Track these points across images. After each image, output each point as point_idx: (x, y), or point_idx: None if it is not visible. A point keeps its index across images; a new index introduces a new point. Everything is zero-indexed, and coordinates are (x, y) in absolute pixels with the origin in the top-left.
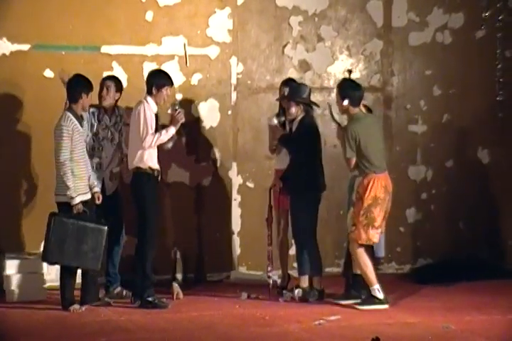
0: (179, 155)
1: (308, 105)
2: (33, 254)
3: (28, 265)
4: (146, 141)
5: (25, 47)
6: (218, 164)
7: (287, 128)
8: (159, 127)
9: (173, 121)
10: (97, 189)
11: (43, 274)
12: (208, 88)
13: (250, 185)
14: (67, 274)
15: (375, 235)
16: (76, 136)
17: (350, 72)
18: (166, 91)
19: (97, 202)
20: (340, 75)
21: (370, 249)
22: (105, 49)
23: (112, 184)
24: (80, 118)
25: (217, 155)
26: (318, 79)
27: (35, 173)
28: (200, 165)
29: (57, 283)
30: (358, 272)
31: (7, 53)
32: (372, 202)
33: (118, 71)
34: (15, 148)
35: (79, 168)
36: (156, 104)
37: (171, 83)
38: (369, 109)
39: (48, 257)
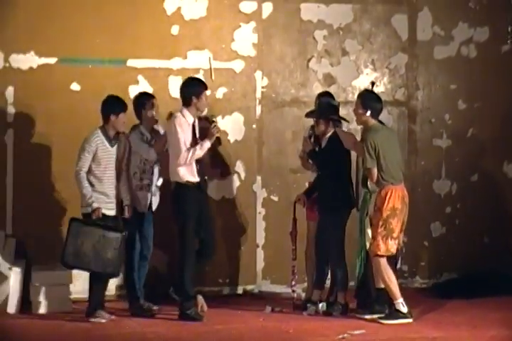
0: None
1: (338, 121)
2: (60, 266)
3: (55, 276)
4: (181, 158)
5: (52, 60)
6: (243, 177)
7: (313, 141)
8: (198, 139)
9: (208, 134)
10: (127, 202)
11: (69, 286)
12: (233, 101)
13: (274, 198)
14: (95, 279)
15: (394, 246)
16: (100, 153)
17: (373, 84)
18: (204, 96)
19: (126, 215)
20: None
21: (392, 263)
22: (131, 63)
23: (156, 199)
24: (110, 138)
25: (242, 168)
26: (343, 92)
27: (62, 185)
28: (225, 178)
29: (83, 295)
30: (381, 286)
31: (34, 66)
32: (390, 213)
33: (143, 85)
34: (42, 161)
35: (102, 185)
36: (198, 111)
37: (206, 87)
38: (381, 123)
39: (65, 260)
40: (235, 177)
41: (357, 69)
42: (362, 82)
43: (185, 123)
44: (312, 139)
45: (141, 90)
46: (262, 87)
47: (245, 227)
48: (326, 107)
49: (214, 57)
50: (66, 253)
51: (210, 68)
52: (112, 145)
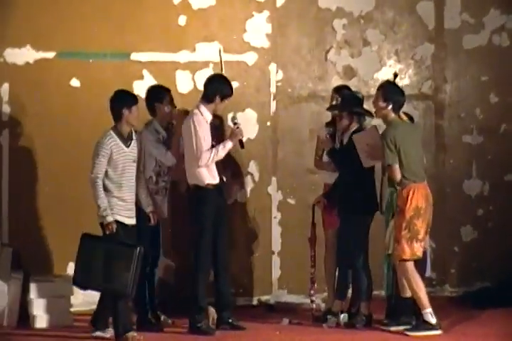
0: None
1: (362, 115)
2: (60, 277)
3: (55, 288)
4: (202, 159)
5: (50, 54)
6: (256, 179)
7: (337, 140)
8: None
9: (231, 135)
10: (152, 208)
11: (69, 298)
12: (246, 97)
13: (291, 201)
14: (112, 300)
15: (420, 248)
16: (116, 156)
17: (396, 75)
18: (228, 101)
19: (152, 222)
20: None
21: (419, 269)
22: (135, 56)
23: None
24: (124, 138)
25: (256, 169)
26: (365, 86)
27: (61, 189)
28: (237, 180)
29: (85, 308)
30: (407, 295)
31: (31, 61)
32: (414, 214)
33: (149, 80)
34: (41, 164)
35: (120, 190)
36: (214, 112)
37: (232, 92)
38: (411, 118)
39: (76, 281)
40: (248, 178)
41: (379, 61)
42: (385, 75)
43: (203, 121)
44: (328, 136)
45: (153, 83)
46: (277, 81)
47: (259, 233)
48: (349, 100)
49: (224, 49)
50: (77, 273)
51: (221, 61)
52: (128, 146)
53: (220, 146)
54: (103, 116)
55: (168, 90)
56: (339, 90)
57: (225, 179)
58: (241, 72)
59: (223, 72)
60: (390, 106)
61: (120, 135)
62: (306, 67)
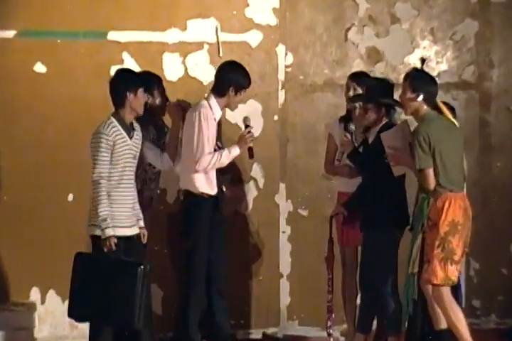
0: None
1: (392, 107)
2: (21, 305)
3: (14, 319)
4: (201, 163)
5: (10, 33)
6: (261, 185)
7: (353, 138)
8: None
9: (240, 140)
10: (143, 223)
11: (33, 330)
12: None
13: (303, 212)
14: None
15: (455, 272)
16: (118, 149)
17: (423, 61)
18: (244, 93)
19: (143, 240)
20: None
21: (454, 295)
22: (113, 35)
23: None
24: (129, 127)
25: (260, 173)
26: (393, 72)
27: (22, 198)
28: (238, 186)
29: None
30: (442, 327)
31: None
32: (449, 229)
33: (130, 64)
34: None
35: (121, 192)
36: (227, 107)
37: (250, 84)
38: (452, 109)
39: (72, 313)
40: (251, 184)
41: (411, 42)
42: (417, 58)
43: (211, 117)
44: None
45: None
46: (286, 67)
47: (265, 251)
48: (376, 88)
49: (222, 27)
50: (72, 303)
51: (218, 42)
52: (131, 137)
53: (225, 152)
54: (73, 108)
55: (159, 77)
56: (357, 77)
57: (224, 189)
58: (242, 56)
59: (221, 56)
60: (421, 98)
61: (123, 123)
62: (322, 49)
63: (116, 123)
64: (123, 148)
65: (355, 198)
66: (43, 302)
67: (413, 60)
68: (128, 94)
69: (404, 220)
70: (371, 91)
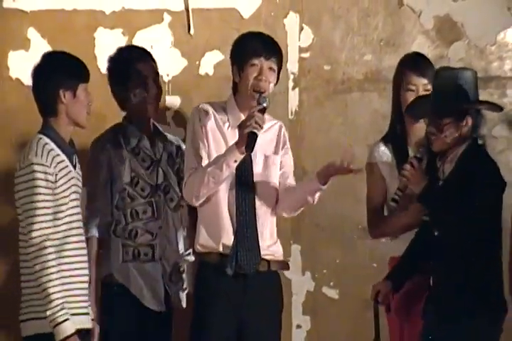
0: None
1: (480, 114)
2: None
3: None
4: (186, 189)
5: None
6: None
7: (418, 166)
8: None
9: (243, 124)
10: (90, 311)
11: None
12: None
13: (331, 292)
14: None
15: None
16: (62, 187)
17: None
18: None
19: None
20: None
21: None
22: (15, 4)
23: (176, 288)
24: (68, 146)
25: None
26: (478, 58)
27: None
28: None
29: None
30: None
31: None
32: None
33: (39, 46)
34: None
35: (69, 256)
36: (245, 108)
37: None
38: None
39: None
40: None
41: (509, 8)
42: None
43: (206, 121)
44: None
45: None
46: (302, 50)
47: None
48: (450, 89)
49: None
50: None
51: (187, 10)
52: (74, 164)
53: (213, 160)
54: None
55: (150, 56)
56: (420, 66)
57: None
58: (230, 33)
59: (192, 33)
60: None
61: (59, 139)
62: (360, 21)
63: (49, 142)
64: (67, 185)
65: (407, 267)
66: None
67: (510, 38)
68: (62, 93)
69: (500, 307)
70: (442, 93)
